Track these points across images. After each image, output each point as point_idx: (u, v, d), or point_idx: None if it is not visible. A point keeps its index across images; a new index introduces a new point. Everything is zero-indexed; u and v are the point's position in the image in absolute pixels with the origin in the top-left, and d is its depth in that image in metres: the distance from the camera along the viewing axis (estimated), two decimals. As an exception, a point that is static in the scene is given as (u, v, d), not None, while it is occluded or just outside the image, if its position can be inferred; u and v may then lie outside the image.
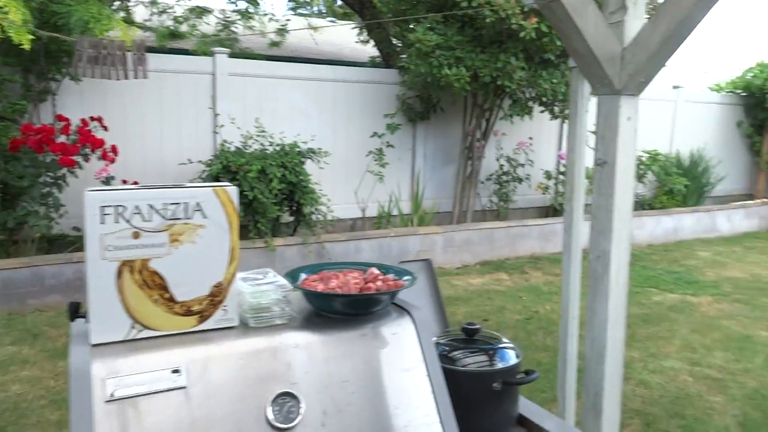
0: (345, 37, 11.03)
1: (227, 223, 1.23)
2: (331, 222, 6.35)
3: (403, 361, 1.33)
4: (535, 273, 6.66)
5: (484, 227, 7.17)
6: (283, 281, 1.37)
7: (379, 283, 1.41)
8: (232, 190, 1.24)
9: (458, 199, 7.59)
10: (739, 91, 10.25)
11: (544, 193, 8.13)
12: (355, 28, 9.25)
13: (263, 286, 1.32)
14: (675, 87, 9.56)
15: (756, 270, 7.07)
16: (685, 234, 8.69)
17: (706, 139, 9.85)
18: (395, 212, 7.35)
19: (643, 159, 8.65)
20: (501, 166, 7.77)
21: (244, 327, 1.27)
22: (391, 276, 1.46)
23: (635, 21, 1.93)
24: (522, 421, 1.61)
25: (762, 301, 5.83)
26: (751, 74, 9.93)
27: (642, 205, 8.93)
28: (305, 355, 1.24)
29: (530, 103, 7.16)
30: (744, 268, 7.17)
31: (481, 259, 7.08)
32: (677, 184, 8.72)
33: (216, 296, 1.23)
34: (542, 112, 7.35)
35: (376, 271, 1.47)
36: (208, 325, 1.24)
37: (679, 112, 9.54)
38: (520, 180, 7.78)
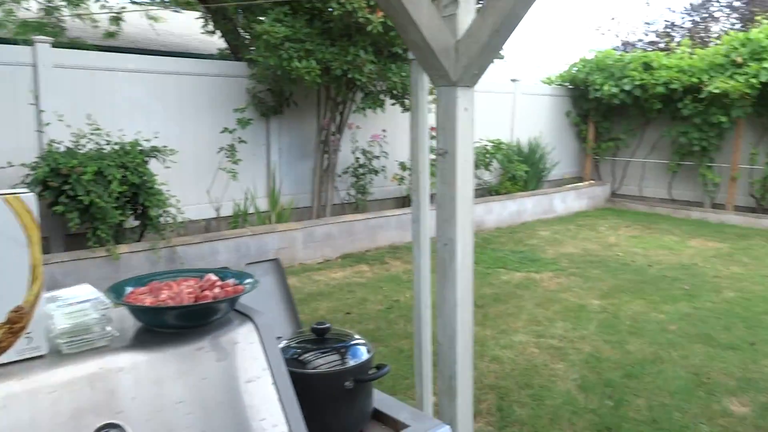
0: (192, 28, 10.45)
1: (24, 237, 1.06)
2: (182, 224, 5.99)
3: (247, 371, 1.24)
4: (395, 262, 6.83)
5: (343, 220, 7.20)
6: (103, 298, 1.22)
7: (216, 290, 1.31)
8: (29, 198, 1.06)
9: (316, 194, 7.54)
10: (566, 83, 11.29)
11: (399, 184, 8.35)
12: (200, 18, 8.78)
13: (78, 305, 1.16)
14: (513, 80, 10.29)
15: (587, 245, 7.85)
16: (528, 216, 9.43)
17: (541, 128, 10.74)
18: (252, 210, 7.13)
19: (488, 148, 9.21)
20: (357, 158, 7.85)
21: (56, 355, 1.11)
22: (230, 281, 1.37)
23: (467, 15, 2.00)
24: (378, 415, 1.60)
25: (593, 273, 6.48)
26: (575, 68, 10.98)
27: (489, 191, 9.53)
28: (131, 378, 1.11)
29: (382, 96, 7.28)
30: (577, 244, 7.93)
31: (342, 253, 7.11)
32: (519, 170, 9.40)
33: (15, 323, 1.05)
34: (393, 104, 7.53)
35: (213, 277, 1.36)
36: (7, 357, 1.06)
37: (517, 103, 10.29)
38: (376, 172, 7.91)
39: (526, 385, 3.80)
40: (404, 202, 8.59)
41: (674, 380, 3.86)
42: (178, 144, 6.24)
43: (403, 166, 8.31)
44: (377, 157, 7.93)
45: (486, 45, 1.89)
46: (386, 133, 8.09)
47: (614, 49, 11.43)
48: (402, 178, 8.29)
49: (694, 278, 6.30)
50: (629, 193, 11.23)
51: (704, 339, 4.58)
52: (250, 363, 1.25)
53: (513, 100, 10.23)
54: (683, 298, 5.61)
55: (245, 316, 1.33)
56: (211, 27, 8.17)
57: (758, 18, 9.86)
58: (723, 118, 9.28)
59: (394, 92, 7.20)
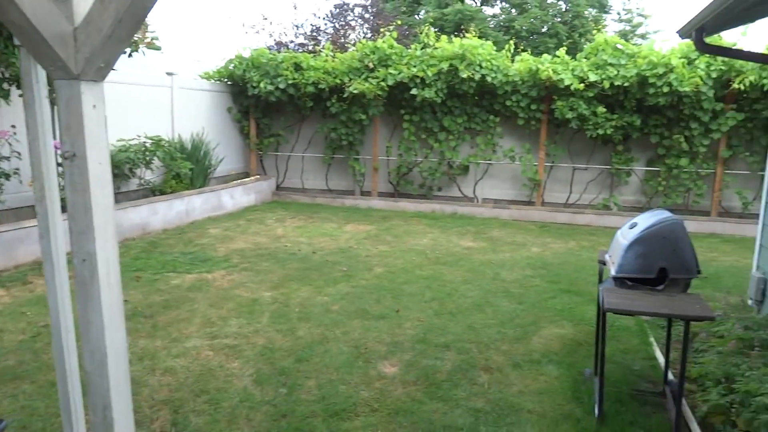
0: None
1: None
2: None
3: None
4: (41, 281, 5.85)
5: (-37, 238, 5.84)
6: None
7: None
8: None
9: None
10: (225, 79, 11.32)
11: (41, 189, 7.15)
12: None
13: None
14: (169, 74, 9.83)
15: (257, 239, 8.05)
16: (197, 215, 9.19)
17: (204, 123, 10.56)
18: None
19: (148, 145, 8.63)
20: (-22, 161, 6.44)
21: None
22: None
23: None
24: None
25: (263, 265, 6.67)
26: (232, 65, 11.09)
27: (153, 191, 8.96)
28: None
29: (5, 85, 6.11)
30: (248, 238, 8.07)
31: (-34, 278, 5.78)
32: (183, 167, 9.07)
33: None
34: (21, 95, 6.38)
35: None
36: None
37: (176, 98, 9.88)
38: (8, 176, 6.64)
39: (201, 391, 3.68)
40: (49, 209, 7.41)
41: (338, 356, 4.23)
42: None
43: (43, 169, 7.13)
44: (7, 158, 6.65)
45: (110, 35, 1.69)
46: (16, 129, 6.84)
47: (268, 48, 11.90)
48: (44, 183, 7.12)
49: (350, 260, 7.03)
50: (293, 186, 11.94)
51: (361, 314, 5.15)
52: None
53: (171, 95, 9.78)
54: (343, 279, 6.21)
55: None
56: None
57: (383, 30, 11.49)
58: (363, 116, 10.58)
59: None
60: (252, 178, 11.41)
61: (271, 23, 21.11)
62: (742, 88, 8.77)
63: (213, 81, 11.21)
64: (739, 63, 8.72)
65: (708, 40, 7.05)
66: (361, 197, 11.15)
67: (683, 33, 5.29)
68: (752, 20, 6.33)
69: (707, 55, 8.73)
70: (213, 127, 10.87)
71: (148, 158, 8.56)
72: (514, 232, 9.04)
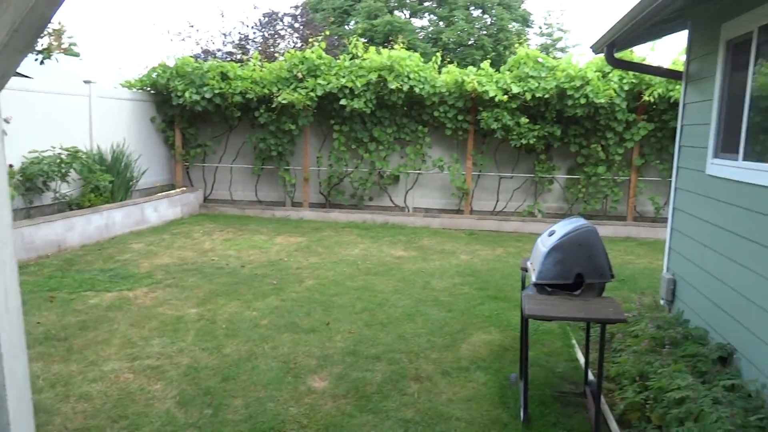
0: None
1: None
2: None
3: None
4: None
5: None
6: None
7: None
8: None
9: None
10: (148, 88, 10.94)
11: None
12: None
13: None
14: (87, 82, 9.40)
15: (183, 253, 7.79)
16: (118, 229, 8.80)
17: (125, 134, 10.15)
18: None
19: (63, 157, 8.20)
20: None
21: None
22: None
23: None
24: None
25: (189, 281, 6.46)
26: (156, 74, 10.74)
27: (69, 205, 8.51)
28: None
29: None
30: (173, 253, 7.79)
31: None
32: (102, 180, 8.67)
33: None
34: None
35: None
36: None
37: (95, 107, 9.45)
38: None
39: (120, 416, 3.50)
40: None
41: (267, 372, 4.15)
42: None
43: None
44: None
45: (5, 45, 1.58)
46: None
47: (195, 57, 11.62)
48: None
49: (280, 272, 6.93)
50: (221, 198, 11.66)
51: (290, 327, 5.07)
52: None
53: (89, 104, 9.34)
54: (272, 292, 6.11)
55: None
56: None
57: (312, 40, 11.46)
58: (292, 126, 10.49)
59: None
60: (178, 190, 11.06)
61: (197, 30, 20.60)
62: (652, 100, 9.33)
63: (135, 90, 10.80)
64: (648, 77, 9.27)
65: (619, 55, 7.48)
66: (292, 208, 11.03)
67: (596, 48, 5.57)
68: (658, 37, 6.77)
69: (619, 69, 9.23)
70: (135, 138, 10.46)
71: (63, 170, 8.12)
72: (444, 240, 9.19)
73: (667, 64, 9.03)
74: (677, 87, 9.00)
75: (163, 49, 29.22)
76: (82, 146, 8.94)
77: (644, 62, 9.21)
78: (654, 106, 9.57)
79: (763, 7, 3.76)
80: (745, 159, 3.98)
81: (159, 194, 10.39)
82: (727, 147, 4.37)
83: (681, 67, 5.61)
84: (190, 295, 5.96)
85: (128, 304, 5.61)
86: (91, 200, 8.68)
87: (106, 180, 8.74)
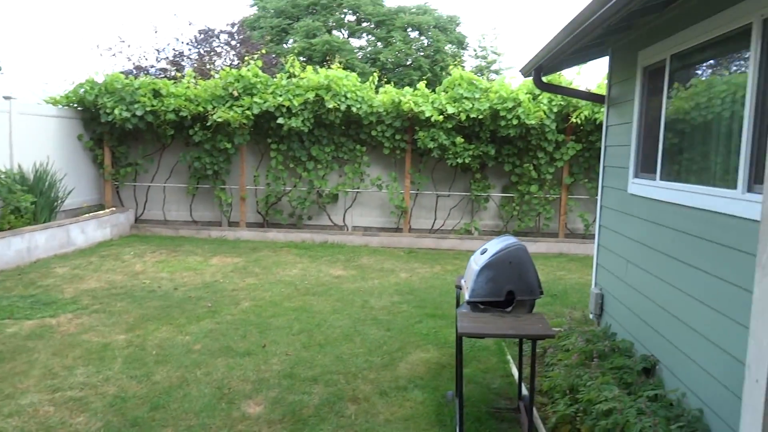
0: None
1: None
2: None
3: None
4: None
5: None
6: None
7: None
8: None
9: None
10: (75, 105, 10.51)
11: None
12: None
13: None
14: (6, 98, 8.93)
15: (111, 277, 7.47)
16: (41, 253, 8.35)
17: (50, 152, 9.69)
18: None
19: (-20, 177, 7.73)
20: None
21: None
22: None
23: None
24: None
25: (118, 306, 6.19)
26: (83, 89, 10.33)
27: (-13, 228, 8.01)
28: None
29: None
30: (101, 277, 7.46)
31: None
32: (23, 201, 8.22)
33: None
34: None
35: None
36: None
37: (15, 124, 8.98)
38: None
39: (38, 453, 3.29)
40: None
41: (199, 399, 4.01)
42: None
43: None
44: None
45: None
46: None
47: (126, 73, 11.28)
48: None
49: (215, 294, 6.75)
50: (154, 218, 11.28)
51: (225, 351, 4.94)
52: None
53: (9, 121, 8.87)
54: (207, 315, 5.94)
55: None
56: None
57: (248, 58, 11.35)
58: (228, 145, 10.31)
59: None
60: (107, 210, 10.62)
61: (129, 46, 19.98)
62: (579, 121, 9.76)
63: (61, 106, 10.35)
64: (575, 99, 9.70)
65: (547, 78, 7.79)
66: (229, 228, 10.80)
67: (525, 72, 5.79)
68: (583, 62, 7.10)
69: (547, 92, 9.62)
70: (61, 156, 10.00)
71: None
72: (383, 258, 9.22)
73: (593, 88, 9.49)
74: (602, 109, 9.46)
75: (93, 64, 28.16)
76: (0, 165, 8.46)
77: (571, 85, 9.65)
78: (581, 128, 10.00)
79: (674, 36, 4.03)
80: (662, 179, 4.22)
81: (87, 215, 9.94)
82: (646, 167, 4.61)
83: (604, 91, 5.90)
84: (119, 320, 5.71)
85: (50, 332, 5.31)
86: (11, 222, 8.21)
87: (27, 201, 8.30)
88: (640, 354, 4.27)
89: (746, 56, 3.18)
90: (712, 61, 3.74)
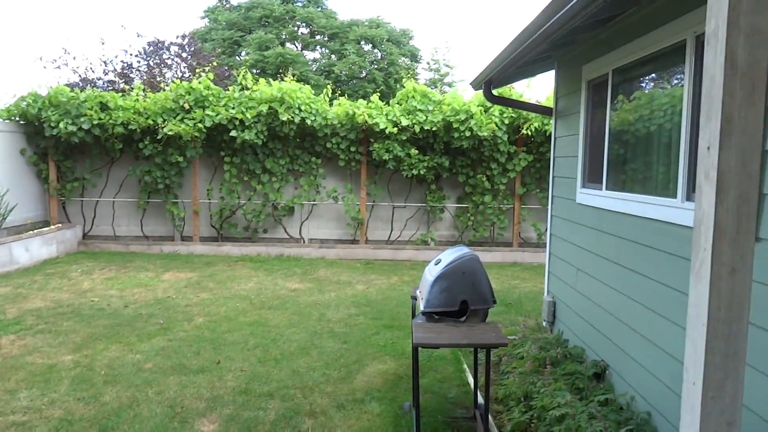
0: None
1: None
2: None
3: None
4: None
5: None
6: None
7: None
8: None
9: None
10: (17, 118, 10.12)
11: None
12: None
13: None
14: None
15: (58, 295, 7.19)
16: (-20, 272, 7.97)
17: (-10, 167, 9.30)
18: None
19: None
20: None
21: None
22: None
23: None
24: None
25: (64, 326, 5.96)
26: (25, 102, 9.97)
27: None
28: None
29: None
30: (47, 295, 7.18)
31: None
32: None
33: None
34: None
35: None
36: None
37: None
38: None
39: (-23, 484, 3.13)
40: None
41: (150, 419, 3.89)
42: None
43: None
44: None
45: None
46: None
47: (72, 86, 10.94)
48: None
49: (168, 311, 6.58)
50: (103, 234, 10.93)
51: (178, 369, 4.82)
52: None
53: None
54: (158, 333, 5.78)
55: None
56: None
57: (199, 70, 11.19)
58: (180, 158, 10.12)
59: None
60: (53, 226, 10.23)
61: (74, 58, 19.42)
62: (529, 133, 10.01)
63: (2, 120, 9.95)
64: (525, 111, 9.95)
65: (498, 91, 7.97)
66: (182, 243, 10.57)
67: (475, 85, 5.91)
68: (532, 75, 7.30)
69: (497, 105, 9.83)
70: (2, 171, 9.60)
71: None
72: (340, 271, 9.19)
73: (543, 100, 9.76)
74: (551, 121, 9.73)
75: (36, 76, 27.24)
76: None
77: (522, 98, 9.89)
78: (532, 139, 10.26)
79: (615, 51, 4.19)
80: (608, 188, 4.37)
81: (30, 232, 9.56)
82: (592, 177, 4.77)
83: (552, 104, 6.08)
84: (65, 340, 5.50)
85: (-10, 356, 5.07)
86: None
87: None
88: (591, 359, 4.39)
89: (682, 71, 3.34)
90: (651, 75, 3.91)
